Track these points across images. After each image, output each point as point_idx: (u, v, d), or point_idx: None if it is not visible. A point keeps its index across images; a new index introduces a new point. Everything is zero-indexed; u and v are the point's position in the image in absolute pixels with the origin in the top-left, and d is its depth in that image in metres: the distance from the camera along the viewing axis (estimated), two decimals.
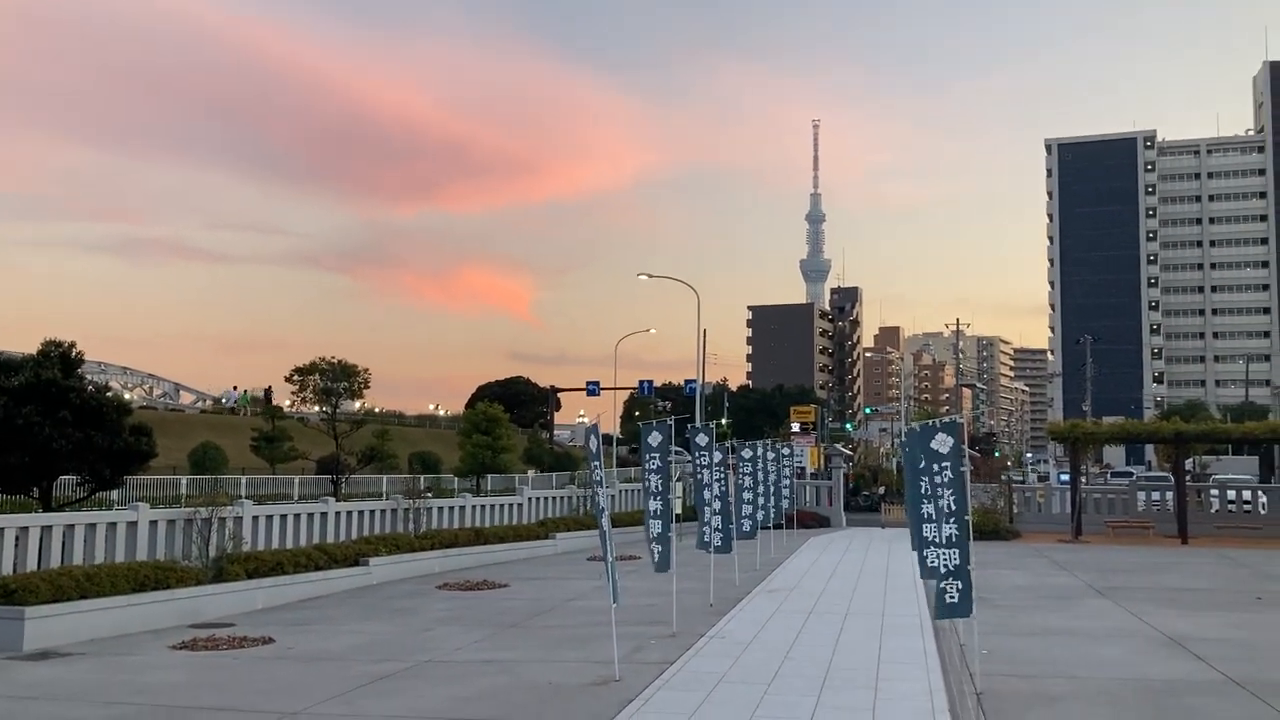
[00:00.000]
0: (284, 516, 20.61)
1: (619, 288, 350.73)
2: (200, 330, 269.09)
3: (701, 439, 18.23)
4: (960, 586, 10.77)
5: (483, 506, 26.76)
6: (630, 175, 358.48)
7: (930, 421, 12.33)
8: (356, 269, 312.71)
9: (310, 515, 21.32)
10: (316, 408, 53.12)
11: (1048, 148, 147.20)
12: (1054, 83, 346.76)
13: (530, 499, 28.60)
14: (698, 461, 18.29)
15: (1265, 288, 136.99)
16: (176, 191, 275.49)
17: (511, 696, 10.73)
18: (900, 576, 21.58)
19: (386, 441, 49.55)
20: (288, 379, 55.01)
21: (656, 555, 14.58)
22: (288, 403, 56.50)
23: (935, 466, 11.66)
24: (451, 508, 25.61)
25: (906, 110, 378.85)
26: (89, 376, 27.70)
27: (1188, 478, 33.79)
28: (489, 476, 42.95)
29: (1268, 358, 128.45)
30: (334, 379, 59.25)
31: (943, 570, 10.86)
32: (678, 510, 31.88)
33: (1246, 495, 34.37)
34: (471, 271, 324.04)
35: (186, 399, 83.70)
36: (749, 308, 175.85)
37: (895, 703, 10.26)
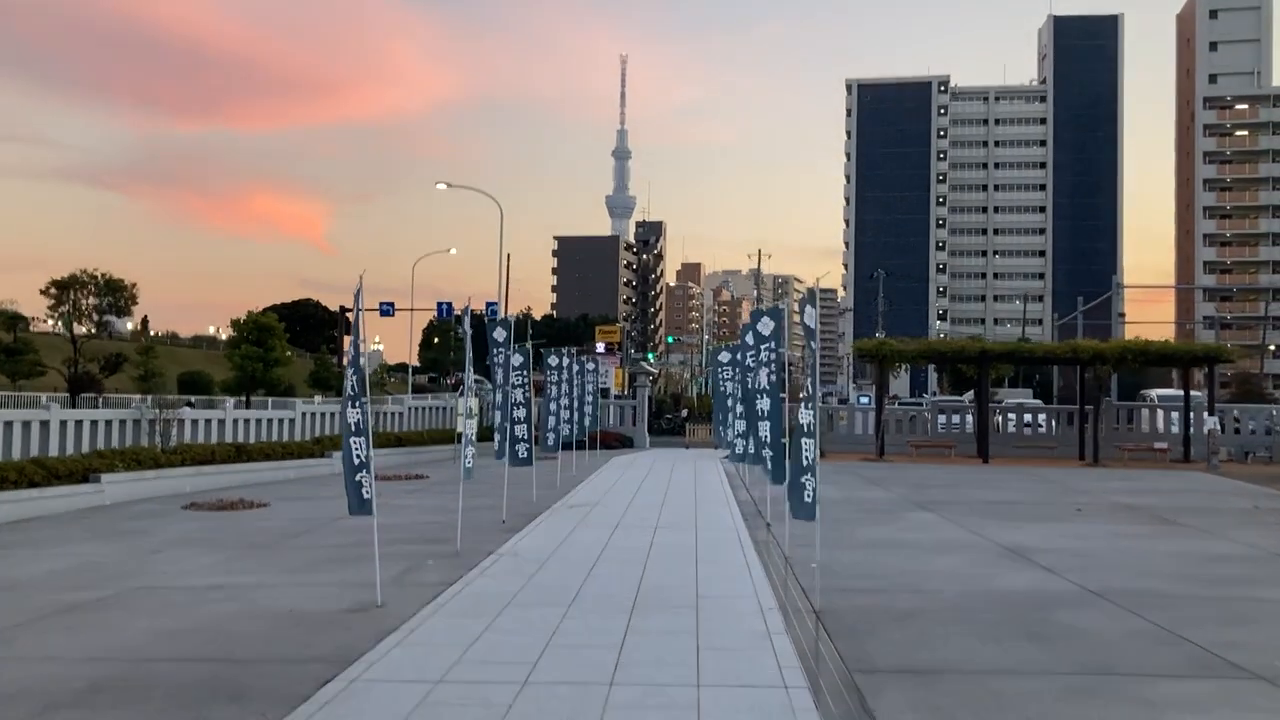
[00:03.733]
0: None
1: (419, 216, 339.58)
2: None
3: (500, 333, 15.83)
4: (772, 456, 9.52)
5: (248, 420, 23.65)
6: (432, 101, 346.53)
7: (757, 308, 12.26)
8: (133, 187, 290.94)
9: (27, 424, 17.85)
10: (84, 328, 48.02)
11: (848, 88, 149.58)
12: (855, 26, 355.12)
13: (305, 414, 25.61)
14: (494, 359, 15.92)
15: (1041, 231, 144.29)
16: None
17: (235, 628, 8.29)
18: (710, 489, 20.04)
19: (153, 359, 45.13)
20: (43, 292, 49.44)
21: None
22: (48, 320, 51.01)
23: (761, 350, 11.36)
24: (209, 420, 22.43)
25: (712, 49, 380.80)
26: None
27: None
28: (270, 400, 39.18)
29: (1041, 297, 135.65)
30: (97, 293, 53.69)
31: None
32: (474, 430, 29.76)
33: (1040, 418, 34.89)
34: (262, 194, 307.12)
35: None
36: (555, 238, 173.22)
37: (722, 624, 8.40)
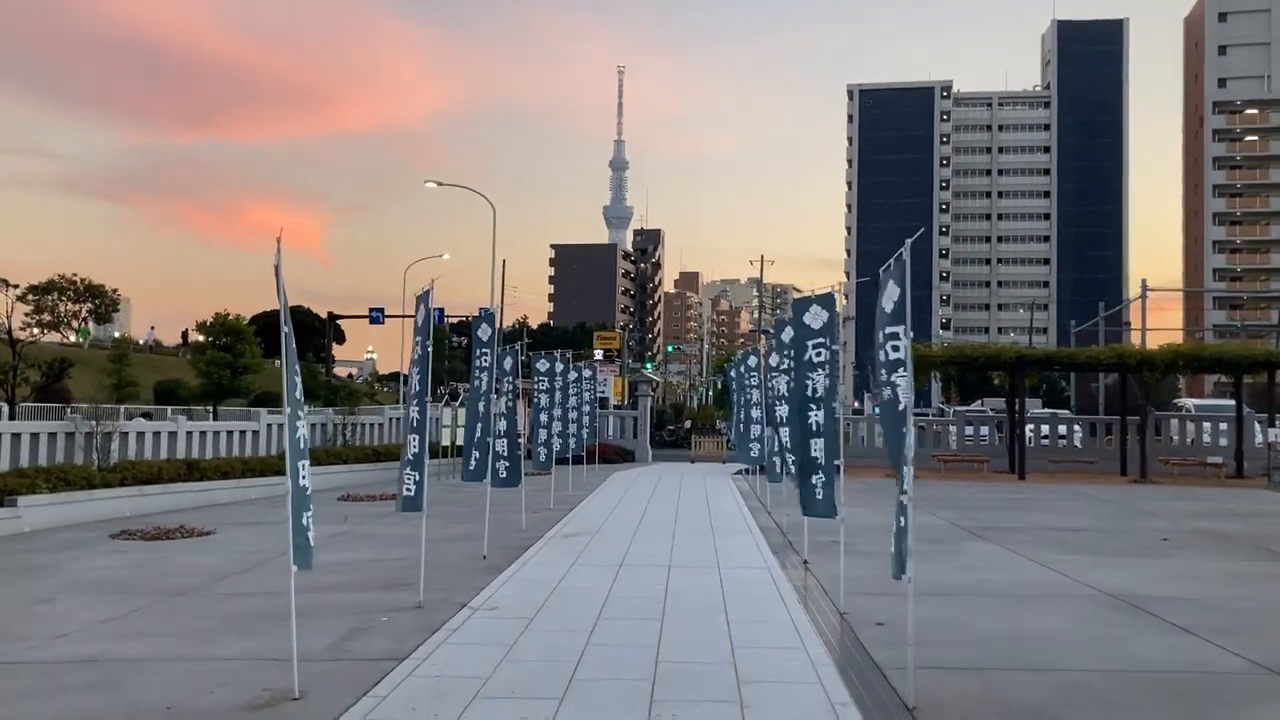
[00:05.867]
0: None
1: (416, 227, 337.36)
2: None
3: (484, 331, 13.22)
4: (824, 481, 8.49)
5: (203, 433, 21.02)
6: (429, 112, 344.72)
7: (808, 294, 10.06)
8: (129, 197, 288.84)
9: None
10: (36, 333, 45.69)
11: (849, 94, 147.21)
12: (856, 34, 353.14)
13: (269, 425, 22.97)
14: (478, 361, 13.27)
15: (1046, 239, 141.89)
16: None
17: None
18: (726, 512, 17.47)
19: (126, 366, 42.60)
20: (21, 299, 47.11)
21: (413, 488, 9.68)
22: (19, 326, 48.60)
23: (809, 345, 9.28)
24: (159, 433, 19.82)
25: (710, 59, 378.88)
26: None
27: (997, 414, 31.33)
28: (251, 410, 36.45)
29: (1046, 306, 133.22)
30: (76, 298, 51.19)
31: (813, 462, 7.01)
32: (446, 442, 26.96)
33: (1076, 430, 32.33)
34: (259, 205, 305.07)
35: None
36: (552, 245, 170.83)
37: None
